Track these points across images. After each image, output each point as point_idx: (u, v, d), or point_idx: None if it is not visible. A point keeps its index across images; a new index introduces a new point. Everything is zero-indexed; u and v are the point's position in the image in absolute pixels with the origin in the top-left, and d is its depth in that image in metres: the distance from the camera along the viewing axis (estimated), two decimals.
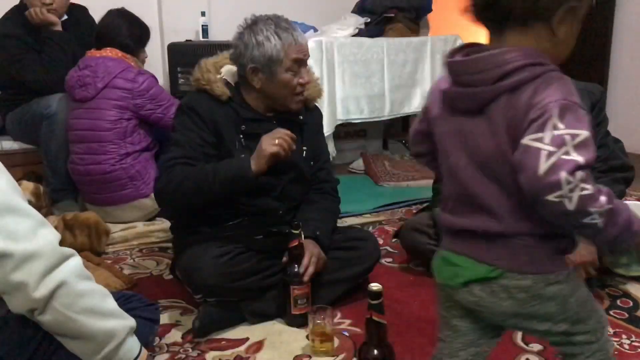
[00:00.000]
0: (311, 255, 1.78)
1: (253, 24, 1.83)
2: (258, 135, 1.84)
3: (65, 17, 2.98)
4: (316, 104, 2.06)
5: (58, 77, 2.78)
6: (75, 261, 1.19)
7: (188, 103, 1.88)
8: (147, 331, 1.48)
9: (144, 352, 1.31)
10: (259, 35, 1.79)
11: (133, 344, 1.28)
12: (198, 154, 1.81)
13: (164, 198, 1.89)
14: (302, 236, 1.78)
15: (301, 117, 1.96)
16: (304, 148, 1.96)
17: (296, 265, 1.75)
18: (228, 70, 1.92)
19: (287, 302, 1.78)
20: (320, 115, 2.11)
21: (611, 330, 1.76)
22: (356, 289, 1.96)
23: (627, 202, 1.89)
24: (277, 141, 1.74)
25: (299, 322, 1.78)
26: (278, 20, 1.83)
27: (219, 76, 1.89)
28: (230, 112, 1.86)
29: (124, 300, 1.44)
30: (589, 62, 4.46)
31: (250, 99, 1.90)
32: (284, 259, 1.79)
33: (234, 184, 1.77)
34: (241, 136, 1.86)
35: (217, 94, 1.85)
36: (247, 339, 1.74)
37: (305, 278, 1.76)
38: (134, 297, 1.54)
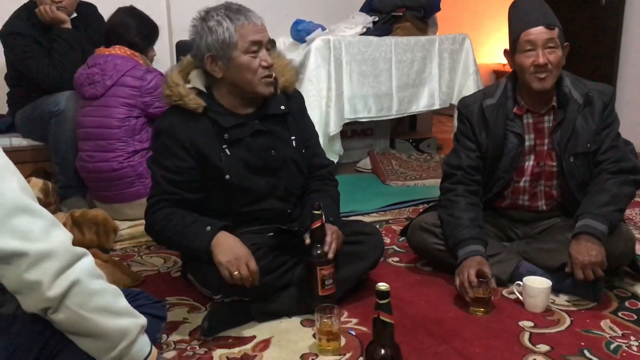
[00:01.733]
0: (332, 232, 1.79)
1: (205, 13, 1.79)
2: (242, 140, 1.83)
3: (75, 15, 2.99)
4: (295, 88, 2.01)
5: (67, 75, 2.79)
6: (88, 260, 1.19)
7: (164, 127, 1.81)
8: (154, 328, 1.48)
9: (155, 350, 1.32)
10: (210, 22, 1.75)
11: (144, 342, 1.28)
12: (176, 186, 1.79)
13: (152, 238, 1.93)
14: (324, 217, 1.77)
15: (283, 107, 1.91)
16: (292, 138, 1.93)
17: (319, 245, 1.75)
18: (196, 75, 1.85)
19: (313, 285, 1.76)
20: (302, 98, 2.04)
21: (619, 332, 1.75)
22: (363, 287, 1.96)
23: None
24: (235, 274, 1.64)
25: (328, 301, 1.76)
26: (229, 4, 1.79)
27: (188, 86, 1.81)
28: (209, 125, 1.81)
29: (131, 297, 1.44)
30: (598, 61, 4.44)
31: (223, 98, 1.84)
32: (307, 240, 1.77)
33: (195, 254, 1.74)
34: (225, 146, 1.82)
35: (192, 107, 1.77)
36: (254, 337, 1.74)
37: (331, 255, 1.75)
38: (141, 294, 1.54)
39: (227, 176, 1.81)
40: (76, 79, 2.72)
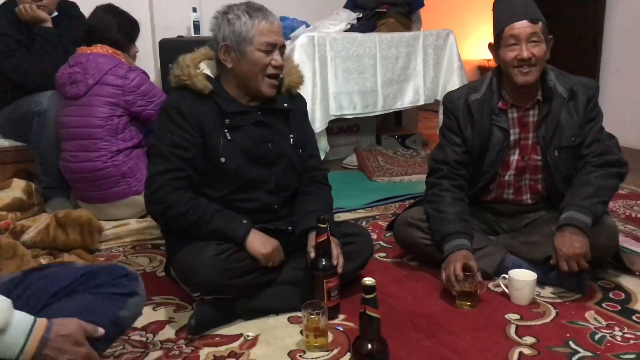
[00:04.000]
0: (337, 245, 1.82)
1: (227, 7, 1.85)
2: (242, 128, 1.86)
3: (56, 13, 2.96)
4: (299, 92, 2.04)
5: (48, 74, 2.76)
6: None
7: (170, 102, 1.85)
8: (113, 308, 1.31)
9: (40, 323, 1.13)
10: (230, 15, 1.82)
11: (11, 338, 1.08)
12: (184, 162, 1.79)
13: (156, 219, 1.91)
14: (329, 230, 1.78)
15: (286, 105, 1.94)
16: (291, 136, 1.96)
17: (324, 259, 1.77)
18: (206, 65, 1.91)
19: (319, 297, 1.77)
20: (304, 103, 2.09)
21: (604, 323, 1.77)
22: (350, 284, 1.96)
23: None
24: (270, 263, 1.80)
25: (333, 314, 1.79)
26: (251, 3, 1.85)
27: (198, 70, 1.86)
28: (213, 107, 1.84)
29: (89, 276, 1.31)
30: (580, 57, 4.48)
31: (230, 88, 1.88)
32: (312, 254, 1.79)
33: (223, 239, 1.77)
34: (226, 130, 1.84)
35: (199, 87, 1.82)
36: (241, 335, 1.74)
37: (340, 270, 1.78)
38: (104, 270, 1.37)
39: (223, 159, 1.83)
40: (58, 78, 2.69)
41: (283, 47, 1.87)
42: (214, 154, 1.83)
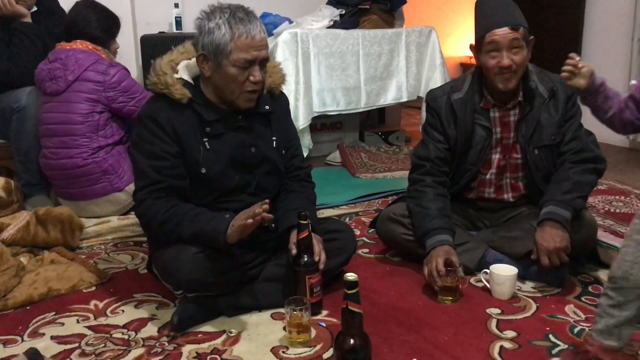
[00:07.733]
0: (318, 242, 1.81)
1: (211, 11, 1.76)
2: (224, 135, 1.83)
3: (35, 8, 2.92)
4: (281, 90, 2.01)
5: (27, 70, 2.72)
6: None
7: (147, 113, 1.81)
8: None
9: None
10: (211, 22, 1.73)
11: None
12: (163, 173, 1.77)
13: (147, 233, 1.91)
14: (310, 226, 1.78)
15: (267, 107, 1.90)
16: (274, 139, 1.93)
17: (306, 255, 1.77)
18: (185, 66, 1.86)
19: (301, 293, 1.76)
20: (287, 101, 2.05)
21: (583, 316, 1.80)
22: (333, 279, 1.97)
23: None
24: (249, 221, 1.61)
25: (316, 310, 1.79)
26: (236, 10, 1.75)
27: (176, 76, 1.81)
28: (192, 116, 1.80)
29: None
30: (560, 55, 4.52)
31: (209, 92, 1.83)
32: (293, 251, 1.78)
33: (205, 242, 1.71)
34: (205, 139, 1.81)
35: (177, 97, 1.77)
36: (224, 331, 1.74)
37: (321, 266, 1.78)
38: None
39: (203, 170, 1.81)
40: (37, 74, 2.66)
41: (265, 60, 1.79)
42: (194, 164, 1.81)
